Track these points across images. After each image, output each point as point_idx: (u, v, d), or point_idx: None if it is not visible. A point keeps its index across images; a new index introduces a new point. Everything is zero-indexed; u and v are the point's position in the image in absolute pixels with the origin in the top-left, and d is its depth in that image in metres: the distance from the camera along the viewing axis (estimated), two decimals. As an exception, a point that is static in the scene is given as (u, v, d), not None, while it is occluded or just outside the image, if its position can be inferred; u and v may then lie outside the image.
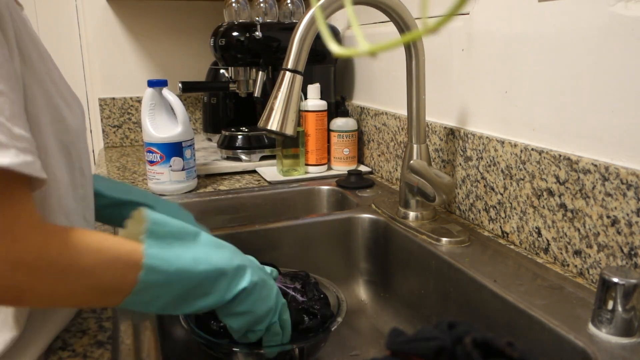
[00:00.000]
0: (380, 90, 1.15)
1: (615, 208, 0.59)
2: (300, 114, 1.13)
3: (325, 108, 1.14)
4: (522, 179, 0.73)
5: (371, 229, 0.89)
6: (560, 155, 0.66)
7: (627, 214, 0.58)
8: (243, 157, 1.21)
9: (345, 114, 1.17)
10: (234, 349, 0.58)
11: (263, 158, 1.22)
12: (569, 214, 0.66)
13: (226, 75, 1.41)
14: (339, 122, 1.15)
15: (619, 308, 0.50)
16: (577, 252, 0.65)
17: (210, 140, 1.48)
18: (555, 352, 0.53)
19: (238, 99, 1.40)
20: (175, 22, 1.54)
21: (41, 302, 0.45)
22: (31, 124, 0.45)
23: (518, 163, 0.73)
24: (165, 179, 1.00)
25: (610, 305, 0.51)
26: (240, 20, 1.18)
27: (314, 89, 1.12)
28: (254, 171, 1.20)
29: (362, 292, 0.91)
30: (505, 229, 0.77)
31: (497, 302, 0.61)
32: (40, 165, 0.41)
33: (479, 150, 0.81)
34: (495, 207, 0.79)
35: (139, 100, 1.55)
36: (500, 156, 0.76)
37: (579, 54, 0.64)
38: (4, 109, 0.39)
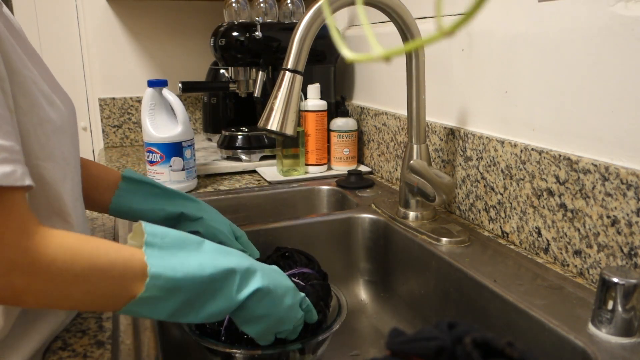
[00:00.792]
0: (380, 90, 1.15)
1: (615, 208, 0.59)
2: (300, 114, 1.13)
3: (325, 108, 1.14)
4: (522, 179, 0.73)
5: (371, 229, 0.89)
6: (560, 155, 0.66)
7: (627, 214, 0.58)
8: (243, 157, 1.21)
9: (345, 114, 1.17)
10: (232, 350, 0.58)
11: (263, 158, 1.22)
12: (569, 214, 0.66)
13: (226, 75, 1.41)
14: (339, 122, 1.15)
15: (619, 308, 0.50)
16: (577, 252, 0.65)
17: (210, 140, 1.48)
18: (555, 352, 0.53)
19: (238, 99, 1.40)
20: (175, 22, 1.54)
21: (39, 303, 0.45)
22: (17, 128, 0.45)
23: (518, 163, 0.73)
24: (165, 179, 1.00)
25: (610, 305, 0.51)
26: (240, 20, 1.18)
27: (314, 89, 1.12)
28: (254, 171, 1.20)
29: (362, 292, 0.91)
30: (505, 229, 0.77)
31: (497, 302, 0.61)
32: (23, 172, 0.41)
33: (479, 150, 0.81)
34: (495, 207, 0.79)
35: (139, 100, 1.55)
36: (500, 156, 0.76)
37: (579, 54, 0.64)
38: None
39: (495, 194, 0.78)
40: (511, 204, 0.75)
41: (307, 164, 1.15)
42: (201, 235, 0.69)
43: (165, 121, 1.02)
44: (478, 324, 0.64)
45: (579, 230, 0.64)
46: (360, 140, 1.21)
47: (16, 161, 0.41)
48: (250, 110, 1.40)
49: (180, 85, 1.16)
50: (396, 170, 1.07)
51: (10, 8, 1.41)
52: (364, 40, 1.18)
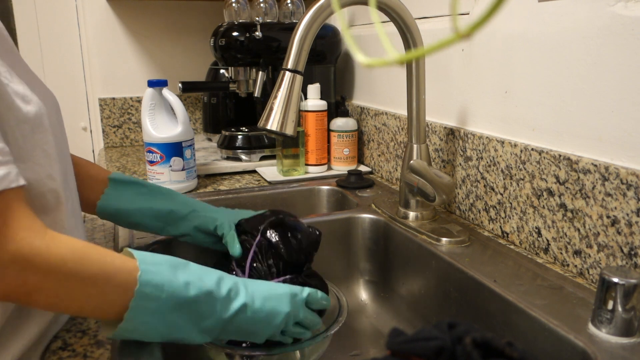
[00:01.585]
0: (380, 90, 1.15)
1: (615, 208, 0.59)
2: (300, 114, 1.13)
3: (325, 108, 1.14)
4: (522, 179, 0.73)
5: (371, 229, 0.89)
6: (560, 155, 0.66)
7: (627, 214, 0.58)
8: (243, 157, 1.21)
9: (345, 114, 1.17)
10: (232, 351, 0.58)
11: (263, 158, 1.22)
12: (569, 214, 0.66)
13: (226, 75, 1.41)
14: (339, 122, 1.15)
15: (619, 308, 0.50)
16: (577, 252, 0.65)
17: (210, 140, 1.48)
18: (555, 352, 0.53)
19: (238, 99, 1.40)
20: (175, 22, 1.54)
21: (48, 303, 0.45)
22: None
23: (518, 163, 0.73)
24: (165, 179, 1.00)
25: (610, 305, 0.51)
26: (240, 20, 1.18)
27: (314, 89, 1.12)
28: (254, 171, 1.20)
29: (362, 292, 0.91)
30: (505, 229, 0.77)
31: (497, 302, 0.61)
32: (16, 173, 0.42)
33: (479, 150, 0.81)
34: (495, 207, 0.79)
35: (139, 100, 1.55)
36: (500, 156, 0.76)
37: (579, 53, 0.64)
38: None
39: (495, 194, 0.78)
40: (511, 204, 0.75)
41: (307, 164, 1.15)
42: (192, 238, 0.71)
43: (165, 121, 1.02)
44: (478, 324, 0.64)
45: (579, 230, 0.64)
46: (360, 140, 1.21)
47: (8, 162, 0.42)
48: (250, 110, 1.40)
49: (180, 85, 1.16)
50: (396, 170, 1.07)
51: (11, 8, 1.41)
52: (364, 40, 1.18)
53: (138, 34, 1.52)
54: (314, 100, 1.12)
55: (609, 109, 0.61)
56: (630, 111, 0.58)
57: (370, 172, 1.18)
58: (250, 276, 0.64)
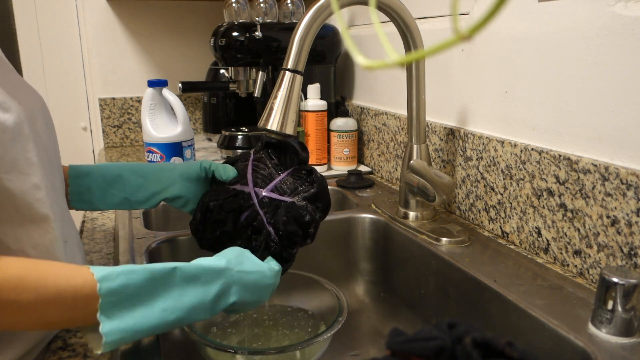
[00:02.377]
0: (380, 90, 1.15)
1: (615, 208, 0.59)
2: (300, 114, 1.13)
3: (325, 108, 1.14)
4: (522, 179, 0.73)
5: (371, 229, 0.89)
6: (560, 155, 0.66)
7: (627, 214, 0.58)
8: (243, 157, 1.21)
9: (345, 114, 1.17)
10: (232, 351, 0.58)
11: (263, 158, 1.22)
12: (569, 214, 0.66)
13: (226, 75, 1.41)
14: (339, 122, 1.15)
15: (619, 308, 0.50)
16: (577, 252, 0.65)
17: (210, 140, 1.48)
18: (555, 352, 0.53)
19: (238, 99, 1.40)
20: (175, 22, 1.54)
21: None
22: None
23: (518, 163, 0.73)
24: (165, 179, 1.00)
25: (610, 305, 0.51)
26: (240, 20, 1.18)
27: (314, 89, 1.12)
28: (254, 171, 1.19)
29: (362, 292, 0.91)
30: (505, 229, 0.77)
31: (497, 302, 0.61)
32: None
33: (479, 150, 0.81)
34: (495, 207, 0.79)
35: (139, 100, 1.55)
36: (500, 156, 0.76)
37: (579, 53, 0.64)
38: None
39: (495, 194, 0.78)
40: (511, 204, 0.75)
41: (307, 164, 1.15)
42: (179, 189, 0.67)
43: (165, 121, 1.02)
44: (478, 324, 0.64)
45: (579, 230, 0.64)
46: (360, 140, 1.21)
47: None
48: (250, 110, 1.40)
49: (180, 85, 1.16)
50: (396, 170, 1.07)
51: (11, 8, 1.41)
52: (364, 40, 1.18)
53: (138, 34, 1.52)
54: (314, 100, 1.12)
55: (609, 109, 0.61)
56: (630, 111, 0.58)
57: (370, 172, 1.18)
58: (256, 184, 0.64)
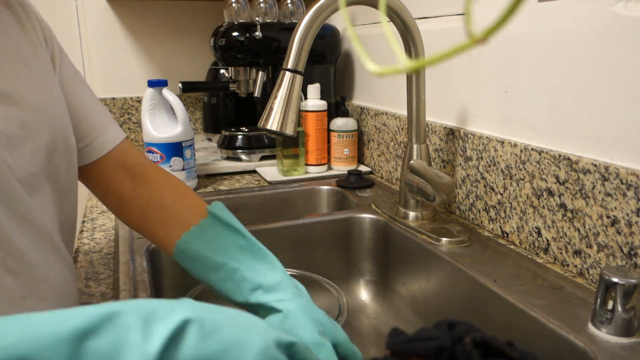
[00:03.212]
0: (380, 90, 1.15)
1: (615, 208, 0.59)
2: (300, 114, 1.13)
3: (325, 108, 1.14)
4: (522, 179, 0.73)
5: (371, 229, 0.89)
6: (560, 155, 0.66)
7: (627, 214, 0.58)
8: (243, 157, 1.21)
9: (345, 114, 1.17)
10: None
11: (263, 158, 1.22)
12: (569, 214, 0.66)
13: (226, 75, 1.41)
14: (339, 122, 1.15)
15: (619, 308, 0.50)
16: (577, 252, 0.65)
17: (210, 140, 1.48)
18: (555, 352, 0.53)
19: (238, 99, 1.40)
20: (175, 22, 1.54)
21: None
22: None
23: (518, 163, 0.73)
24: (165, 179, 1.00)
25: (610, 305, 0.51)
26: (240, 20, 1.18)
27: (314, 89, 1.12)
28: (254, 171, 1.20)
29: (362, 292, 0.91)
30: (505, 229, 0.77)
31: (497, 302, 0.61)
32: None
33: (479, 150, 0.81)
34: (495, 207, 0.79)
35: (139, 100, 1.55)
36: (500, 156, 0.76)
37: (579, 53, 0.64)
38: None
39: (495, 194, 0.78)
40: (511, 204, 0.75)
41: (307, 164, 1.15)
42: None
43: (165, 121, 1.02)
44: (478, 324, 0.64)
45: (578, 230, 0.64)
46: (360, 140, 1.21)
47: None
48: (250, 110, 1.40)
49: (180, 85, 1.16)
50: (396, 170, 1.07)
51: (10, 8, 1.41)
52: (364, 40, 1.18)
53: (138, 33, 1.52)
54: (314, 100, 1.12)
55: (609, 109, 0.61)
56: (630, 111, 0.58)
57: (370, 172, 1.18)
58: None
